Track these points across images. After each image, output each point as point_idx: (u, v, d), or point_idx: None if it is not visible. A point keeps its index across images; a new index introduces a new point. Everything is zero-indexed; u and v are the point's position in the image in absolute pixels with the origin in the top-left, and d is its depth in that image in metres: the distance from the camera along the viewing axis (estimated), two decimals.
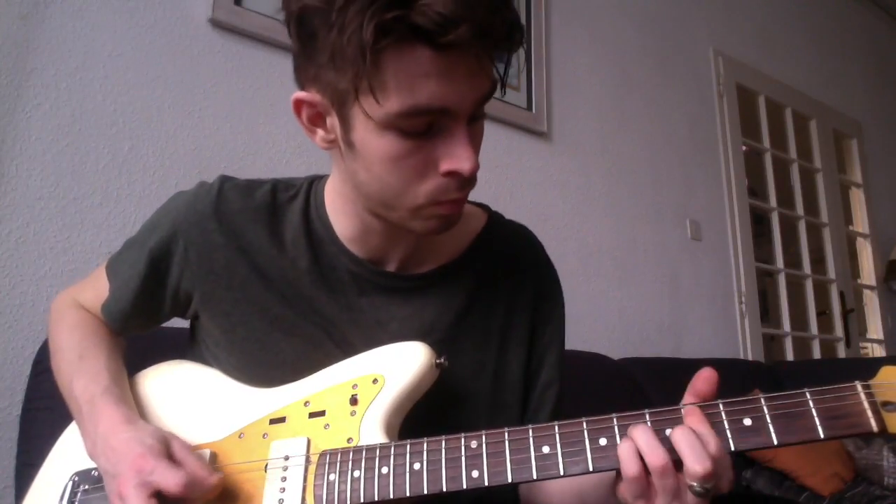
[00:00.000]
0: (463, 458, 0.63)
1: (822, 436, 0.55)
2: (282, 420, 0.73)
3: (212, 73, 1.68)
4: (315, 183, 0.84)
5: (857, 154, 3.77)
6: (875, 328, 3.60)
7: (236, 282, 0.79)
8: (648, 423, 0.59)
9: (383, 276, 0.80)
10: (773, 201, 3.25)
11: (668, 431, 0.58)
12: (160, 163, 1.57)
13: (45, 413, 1.11)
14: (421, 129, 0.63)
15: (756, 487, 2.05)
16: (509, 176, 2.25)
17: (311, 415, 0.72)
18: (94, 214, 1.47)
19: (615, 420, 0.61)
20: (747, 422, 0.58)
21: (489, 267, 0.85)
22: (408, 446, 0.65)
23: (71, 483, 0.77)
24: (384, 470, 0.64)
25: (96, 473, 0.75)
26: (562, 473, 0.60)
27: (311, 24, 0.62)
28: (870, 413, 0.54)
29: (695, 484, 0.55)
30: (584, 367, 1.91)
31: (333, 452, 0.68)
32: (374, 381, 0.72)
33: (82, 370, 0.79)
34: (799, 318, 3.27)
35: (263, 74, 1.75)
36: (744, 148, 3.15)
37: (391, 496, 0.63)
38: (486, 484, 0.61)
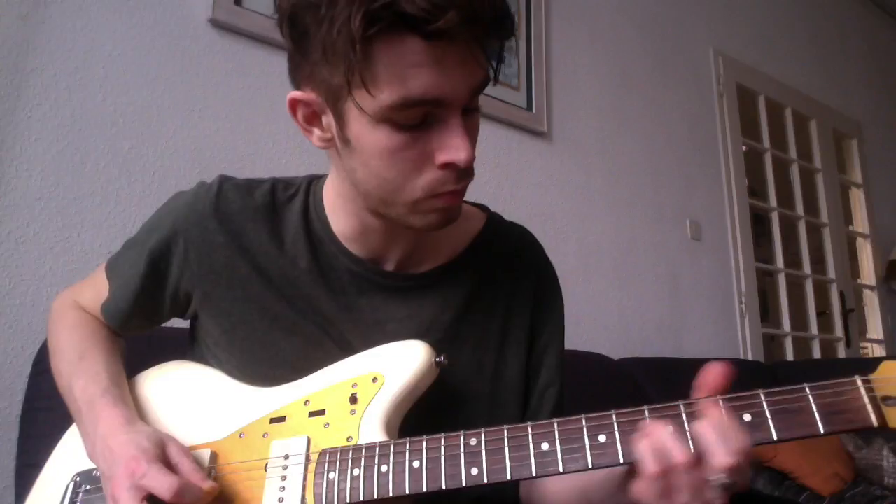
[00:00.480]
0: (462, 456, 0.63)
1: (821, 431, 0.55)
2: (282, 419, 0.73)
3: (212, 73, 1.68)
4: (314, 182, 0.84)
5: (857, 154, 3.78)
6: (875, 328, 3.61)
7: (236, 281, 0.79)
8: (648, 419, 0.59)
9: (382, 276, 0.80)
10: (773, 201, 3.26)
11: (686, 425, 0.57)
12: (160, 163, 1.57)
13: (45, 413, 1.11)
14: (415, 121, 0.63)
15: (756, 487, 2.04)
16: (509, 176, 2.25)
17: (311, 414, 0.72)
18: (94, 214, 1.47)
19: (614, 417, 0.60)
20: (747, 417, 0.57)
21: (488, 267, 0.85)
22: (407, 444, 0.65)
23: (72, 483, 0.77)
24: (384, 468, 0.64)
25: (97, 474, 0.74)
26: (561, 470, 0.60)
27: (302, 22, 0.62)
28: (870, 408, 0.54)
29: (718, 478, 0.54)
30: (584, 367, 1.91)
31: (333, 451, 0.68)
32: (374, 379, 0.72)
33: (82, 371, 0.79)
34: (799, 318, 3.27)
35: (263, 74, 1.75)
36: (744, 148, 3.15)
37: (391, 494, 0.63)
38: (486, 481, 0.61)
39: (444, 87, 0.62)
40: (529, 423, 0.63)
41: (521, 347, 0.84)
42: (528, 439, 0.62)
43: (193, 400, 0.80)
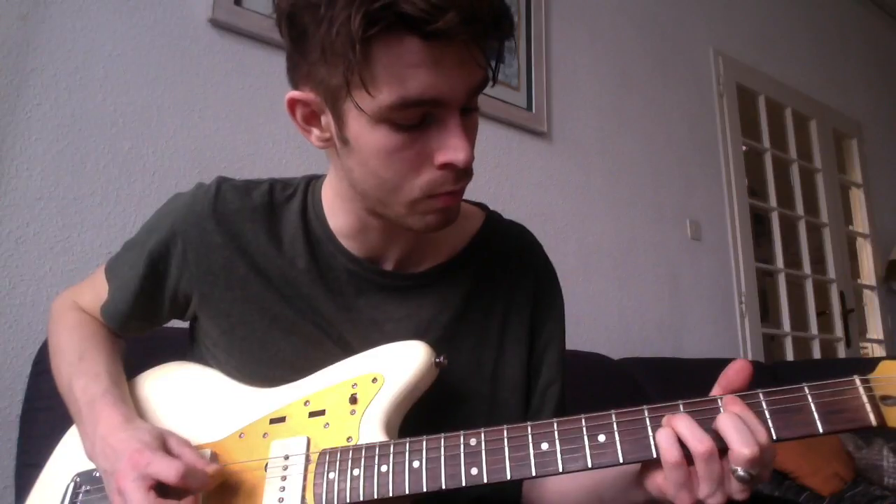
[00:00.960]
0: (462, 456, 0.63)
1: (820, 430, 0.55)
2: (282, 420, 0.73)
3: (212, 73, 1.68)
4: (312, 182, 0.84)
5: (857, 154, 3.77)
6: (875, 328, 3.60)
7: (235, 281, 0.79)
8: (647, 418, 0.59)
9: (381, 275, 0.80)
10: (773, 201, 3.25)
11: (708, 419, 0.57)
12: (160, 163, 1.57)
13: (45, 413, 1.11)
14: (414, 121, 0.63)
15: (756, 487, 2.04)
16: (509, 176, 2.25)
17: (311, 414, 0.72)
18: (94, 214, 1.47)
19: (614, 417, 0.61)
20: None
21: (487, 266, 0.85)
22: (407, 444, 0.65)
23: (73, 484, 0.77)
24: (383, 468, 0.64)
25: (98, 474, 0.75)
26: (560, 470, 0.60)
27: (301, 22, 0.62)
28: (868, 407, 0.54)
29: (740, 469, 0.54)
30: (583, 367, 1.91)
31: (333, 451, 0.68)
32: (374, 380, 0.72)
33: (82, 371, 0.79)
34: (799, 318, 3.26)
35: (263, 74, 1.75)
36: (744, 148, 3.15)
37: (391, 494, 0.63)
38: (485, 481, 0.61)
39: (443, 88, 0.62)
40: (529, 423, 0.63)
41: (521, 346, 0.84)
42: (528, 439, 0.62)
43: (193, 400, 0.80)
